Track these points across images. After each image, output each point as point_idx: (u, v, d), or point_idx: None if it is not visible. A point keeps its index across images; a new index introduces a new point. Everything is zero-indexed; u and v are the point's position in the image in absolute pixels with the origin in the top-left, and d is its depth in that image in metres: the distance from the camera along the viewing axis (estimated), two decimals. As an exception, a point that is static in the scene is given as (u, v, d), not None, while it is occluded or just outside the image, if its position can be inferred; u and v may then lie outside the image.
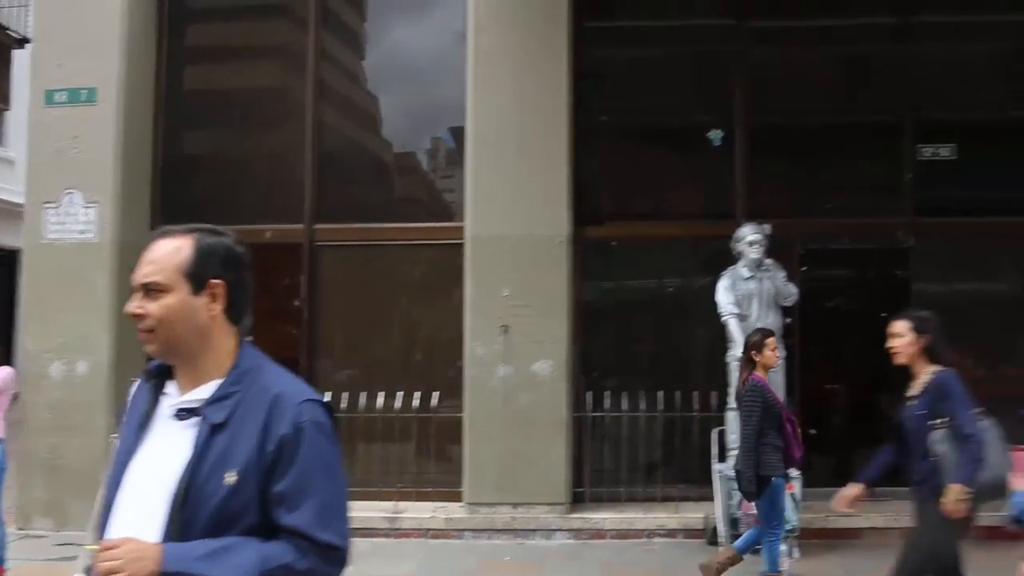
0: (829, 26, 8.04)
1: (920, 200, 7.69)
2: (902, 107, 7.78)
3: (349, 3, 8.53)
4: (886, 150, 7.88)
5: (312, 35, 8.03)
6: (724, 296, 6.53)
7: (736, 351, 6.21)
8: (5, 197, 13.45)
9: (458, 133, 7.61)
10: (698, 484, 7.17)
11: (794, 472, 6.10)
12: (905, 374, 4.24)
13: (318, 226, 7.88)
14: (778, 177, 7.91)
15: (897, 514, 6.62)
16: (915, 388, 4.14)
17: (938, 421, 3.96)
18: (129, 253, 7.36)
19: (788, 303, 6.53)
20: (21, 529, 6.89)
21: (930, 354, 4.13)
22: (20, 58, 12.77)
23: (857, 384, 7.90)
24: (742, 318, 6.49)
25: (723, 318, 6.53)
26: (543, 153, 7.32)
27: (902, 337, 4.14)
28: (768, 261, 6.51)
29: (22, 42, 12.08)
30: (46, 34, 7.74)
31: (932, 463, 4.02)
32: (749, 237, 6.49)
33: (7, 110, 13.20)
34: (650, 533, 7.01)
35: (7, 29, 12.56)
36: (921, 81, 7.83)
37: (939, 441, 3.95)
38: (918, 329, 4.15)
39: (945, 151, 7.75)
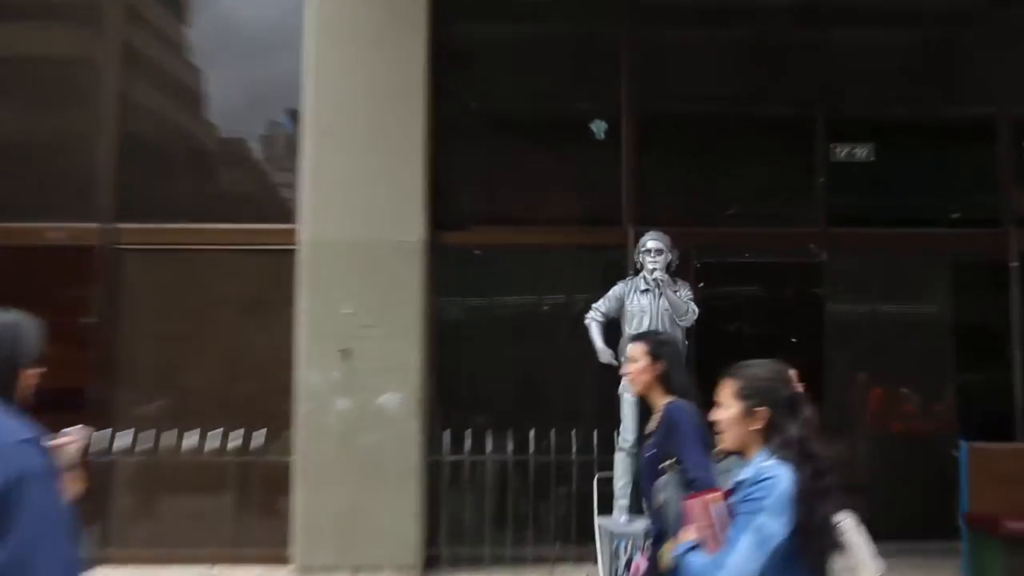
0: (730, 3, 7.65)
1: (834, 207, 7.36)
2: (813, 99, 7.51)
3: None
4: (796, 148, 7.58)
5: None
6: (602, 300, 6.30)
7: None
8: None
9: (297, 118, 7.11)
10: (577, 542, 6.72)
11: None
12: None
13: (120, 225, 7.26)
14: (671, 177, 7.57)
15: None
16: (652, 423, 3.82)
17: (667, 462, 3.53)
18: None
19: (684, 323, 6.13)
20: None
21: (665, 383, 3.80)
22: None
23: None
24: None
25: (585, 318, 6.27)
26: (395, 145, 6.95)
27: (636, 362, 3.83)
28: (666, 277, 6.17)
29: None
30: None
31: (657, 512, 3.59)
32: (647, 244, 6.17)
33: None
34: None
35: None
36: (835, 70, 7.60)
37: (663, 486, 3.44)
38: (653, 354, 3.84)
39: (862, 151, 7.48)
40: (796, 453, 2.54)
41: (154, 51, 7.91)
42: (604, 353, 6.09)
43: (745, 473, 2.59)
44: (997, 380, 7.37)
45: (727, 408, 2.74)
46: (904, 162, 7.53)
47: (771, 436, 2.61)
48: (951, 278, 7.64)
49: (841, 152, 7.46)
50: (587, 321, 6.21)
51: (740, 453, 2.77)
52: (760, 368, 2.76)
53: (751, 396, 2.69)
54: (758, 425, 2.66)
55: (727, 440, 2.79)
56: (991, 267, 7.46)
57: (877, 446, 7.42)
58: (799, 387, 2.77)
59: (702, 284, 6.88)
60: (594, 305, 6.23)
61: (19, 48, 7.66)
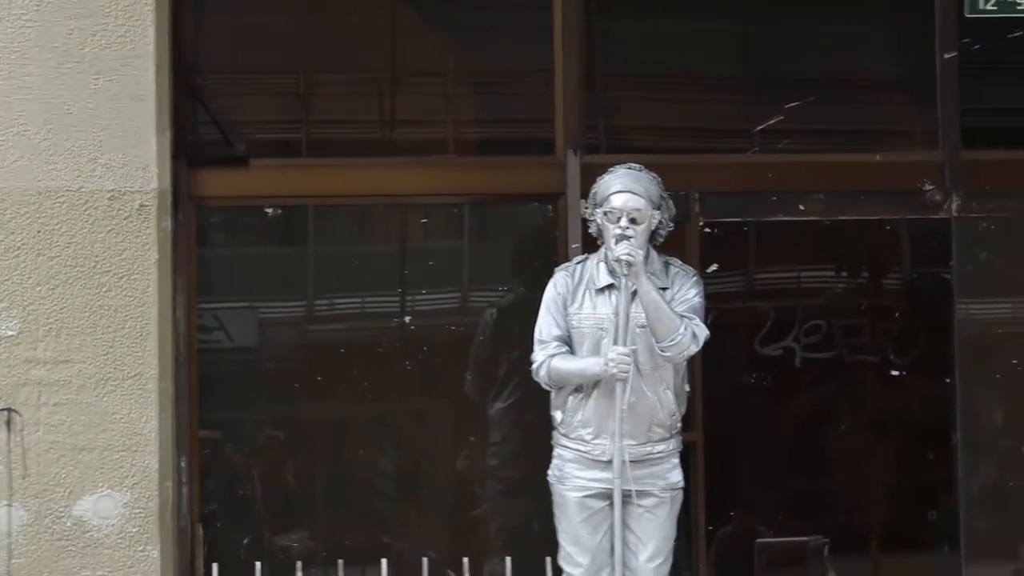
0: None
1: (972, 115, 6.04)
2: None
3: None
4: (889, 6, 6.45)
5: None
6: (543, 320, 4.79)
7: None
8: None
9: None
10: None
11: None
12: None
13: None
14: (649, 60, 6.12)
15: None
16: None
17: None
18: None
19: (670, 353, 4.54)
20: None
21: None
22: None
23: (840, 528, 6.23)
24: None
25: (535, 368, 4.76)
26: (105, 15, 5.51)
27: None
28: (663, 260, 4.75)
29: None
30: None
31: None
32: (612, 197, 4.63)
33: None
34: None
35: None
36: None
37: None
38: None
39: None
40: None
41: None
42: (618, 360, 4.66)
43: None
44: None
45: None
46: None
47: None
48: None
49: (987, 1, 6.15)
50: (541, 373, 4.79)
51: None
52: None
53: None
54: None
55: None
56: None
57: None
58: None
59: (714, 267, 5.85)
60: (538, 340, 4.84)
61: None
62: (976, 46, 6.27)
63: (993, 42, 6.37)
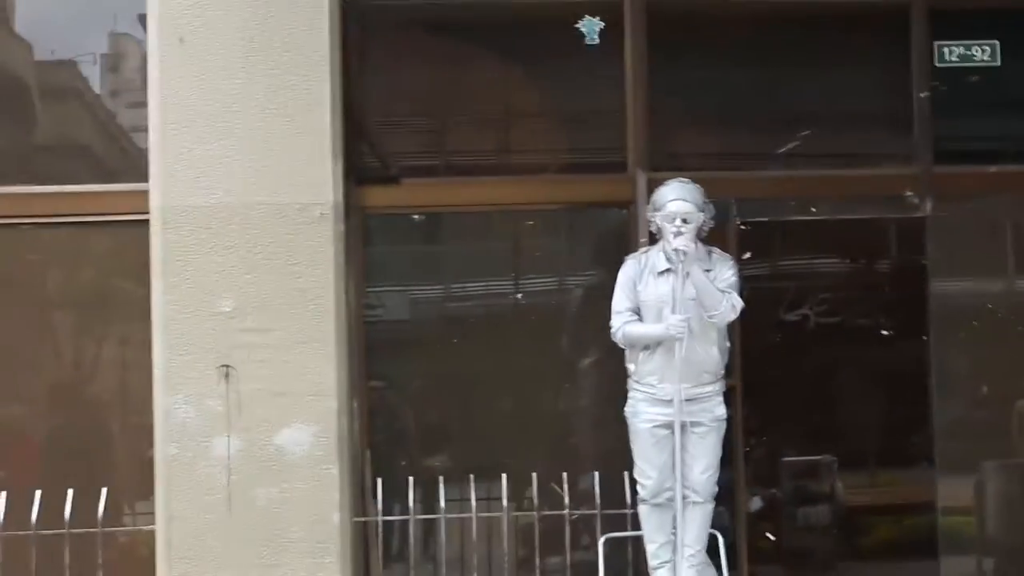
0: None
1: (942, 136, 7.13)
2: None
3: None
4: (883, 50, 7.32)
5: None
6: (618, 296, 5.74)
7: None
8: None
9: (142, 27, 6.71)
10: None
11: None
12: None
13: None
14: (699, 99, 7.24)
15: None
16: None
17: None
18: None
19: (716, 319, 5.59)
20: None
21: None
22: None
23: (844, 452, 7.41)
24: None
25: (613, 332, 5.69)
26: (290, 66, 6.43)
27: None
28: (707, 251, 5.63)
29: None
30: None
31: None
32: (669, 206, 5.51)
33: None
34: None
35: None
36: None
37: None
38: None
39: (981, 51, 7.11)
40: None
41: None
42: (675, 325, 5.57)
43: None
44: None
45: None
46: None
47: None
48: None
49: (952, 54, 7.01)
50: (617, 336, 5.71)
51: None
52: None
53: None
54: None
55: None
56: None
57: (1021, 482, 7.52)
58: None
59: (748, 255, 6.67)
60: (615, 311, 5.71)
61: None
62: (943, 88, 7.20)
63: (956, 84, 7.22)
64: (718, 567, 5.93)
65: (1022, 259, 7.69)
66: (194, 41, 6.41)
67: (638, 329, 5.73)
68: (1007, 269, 7.57)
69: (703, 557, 5.85)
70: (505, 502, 6.45)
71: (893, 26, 7.22)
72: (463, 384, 7.26)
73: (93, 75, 7.60)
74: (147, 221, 6.44)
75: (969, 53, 7.21)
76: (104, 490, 6.39)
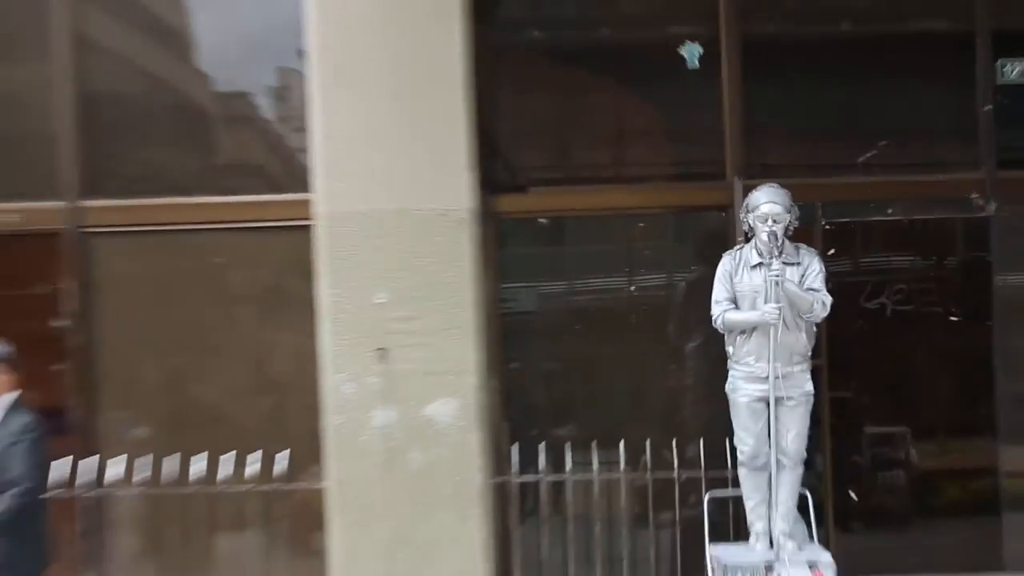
0: None
1: (1004, 144, 7.34)
2: (972, 8, 7.37)
3: None
4: (950, 70, 7.52)
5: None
6: (718, 287, 6.13)
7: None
8: None
9: (303, 63, 7.13)
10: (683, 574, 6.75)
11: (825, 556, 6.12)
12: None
13: (87, 203, 7.33)
14: (787, 115, 7.50)
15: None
16: None
17: None
18: None
19: (811, 317, 6.01)
20: None
21: None
22: None
23: (916, 424, 7.69)
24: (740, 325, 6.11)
25: (714, 319, 6.10)
26: (430, 92, 6.86)
27: None
28: (794, 247, 5.98)
29: None
30: None
31: None
32: (761, 208, 5.92)
33: None
34: None
35: None
36: None
37: None
38: None
39: None
40: None
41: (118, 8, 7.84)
42: (770, 312, 5.95)
43: None
44: None
45: None
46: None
47: None
48: None
49: (1012, 71, 7.37)
50: (718, 322, 6.11)
51: None
52: None
53: None
54: None
55: None
56: None
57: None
58: None
59: (832, 251, 6.94)
60: (715, 301, 6.10)
61: None
62: (1005, 101, 7.46)
63: (1016, 99, 7.48)
64: (807, 522, 6.23)
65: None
66: (348, 72, 6.85)
67: (736, 316, 6.05)
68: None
69: (794, 513, 6.14)
70: (622, 465, 6.77)
71: (959, 48, 7.50)
72: (585, 365, 7.55)
73: (263, 103, 7.96)
74: (310, 226, 6.87)
75: (1028, 70, 7.47)
76: (287, 451, 6.79)
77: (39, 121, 7.49)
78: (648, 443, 6.73)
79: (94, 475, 6.77)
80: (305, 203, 6.90)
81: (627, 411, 7.36)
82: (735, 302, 6.08)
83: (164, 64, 7.92)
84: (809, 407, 6.07)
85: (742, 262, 6.06)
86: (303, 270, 6.98)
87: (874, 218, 7.45)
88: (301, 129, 7.21)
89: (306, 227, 6.90)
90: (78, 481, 6.79)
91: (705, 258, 6.66)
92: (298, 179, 7.19)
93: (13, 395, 6.23)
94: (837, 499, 7.29)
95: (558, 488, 6.92)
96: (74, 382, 7.33)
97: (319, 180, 6.84)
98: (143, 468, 6.77)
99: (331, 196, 6.80)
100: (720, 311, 6.06)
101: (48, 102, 7.45)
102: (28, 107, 7.62)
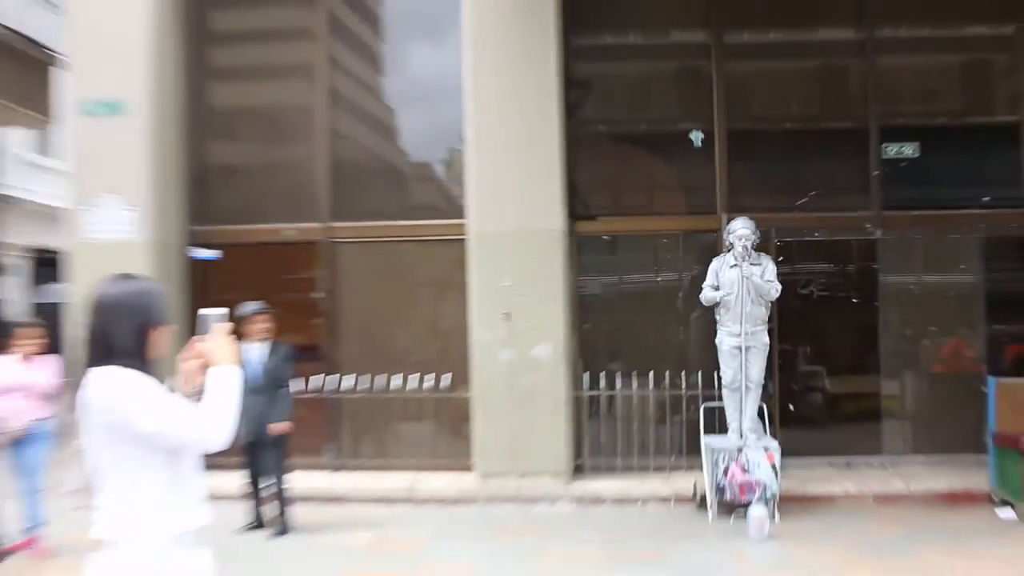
0: (798, 40, 7.99)
1: (886, 195, 7.59)
2: (868, 112, 7.65)
3: (362, 23, 8.41)
4: (854, 151, 7.71)
5: (325, 51, 8.02)
6: (708, 278, 6.51)
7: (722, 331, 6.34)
8: (50, 202, 13.12)
9: (461, 140, 7.46)
10: (687, 455, 7.10)
11: (774, 443, 6.27)
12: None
13: (335, 224, 7.81)
14: (755, 175, 7.81)
15: (867, 481, 6.82)
16: None
17: None
18: (163, 251, 7.49)
19: (768, 297, 6.36)
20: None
21: None
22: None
23: (830, 364, 7.92)
24: (724, 302, 6.44)
25: (701, 296, 6.55)
26: (538, 156, 7.23)
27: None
28: (756, 254, 6.39)
29: (56, 59, 11.52)
30: (79, 51, 7.52)
31: None
32: (737, 231, 6.33)
33: (48, 125, 12.63)
34: (644, 500, 6.89)
35: (42, 47, 11.88)
36: (884, 88, 7.72)
37: None
38: None
39: (908, 149, 7.65)
40: None
41: (355, 95, 8.37)
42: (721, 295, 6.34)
43: None
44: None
45: None
46: (942, 158, 7.64)
47: None
48: (981, 251, 7.67)
49: (891, 151, 7.61)
50: (703, 296, 6.51)
51: None
52: None
53: None
54: None
55: None
56: (1017, 242, 7.65)
57: (926, 383, 7.66)
58: None
59: (781, 258, 7.00)
60: (704, 285, 6.50)
61: (257, 100, 8.30)
62: (887, 169, 7.53)
63: (895, 168, 7.55)
64: (763, 423, 6.51)
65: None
66: (489, 146, 7.16)
67: (708, 293, 6.43)
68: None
69: (755, 418, 6.43)
70: (651, 386, 7.14)
71: (860, 136, 7.64)
72: (629, 326, 7.84)
73: (438, 166, 8.34)
74: (464, 239, 7.21)
75: (901, 149, 7.66)
76: (449, 374, 7.43)
77: (308, 176, 7.97)
78: (667, 373, 7.19)
79: (335, 385, 7.40)
80: (462, 225, 7.30)
81: (654, 354, 7.50)
82: (717, 288, 6.39)
83: (380, 144, 8.40)
84: (766, 353, 6.43)
85: (724, 263, 6.42)
86: (460, 266, 7.27)
87: (807, 238, 7.57)
88: (459, 182, 7.50)
89: (462, 240, 7.27)
90: (324, 388, 7.40)
91: (702, 261, 6.96)
92: (457, 210, 7.50)
93: (271, 338, 6.23)
94: (781, 410, 7.37)
95: (611, 400, 7.30)
96: (324, 330, 7.76)
97: (471, 211, 7.24)
98: (363, 382, 7.43)
99: (478, 221, 7.21)
100: (705, 289, 6.47)
101: (313, 165, 7.91)
102: (301, 169, 8.02)
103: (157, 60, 7.54)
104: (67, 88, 7.78)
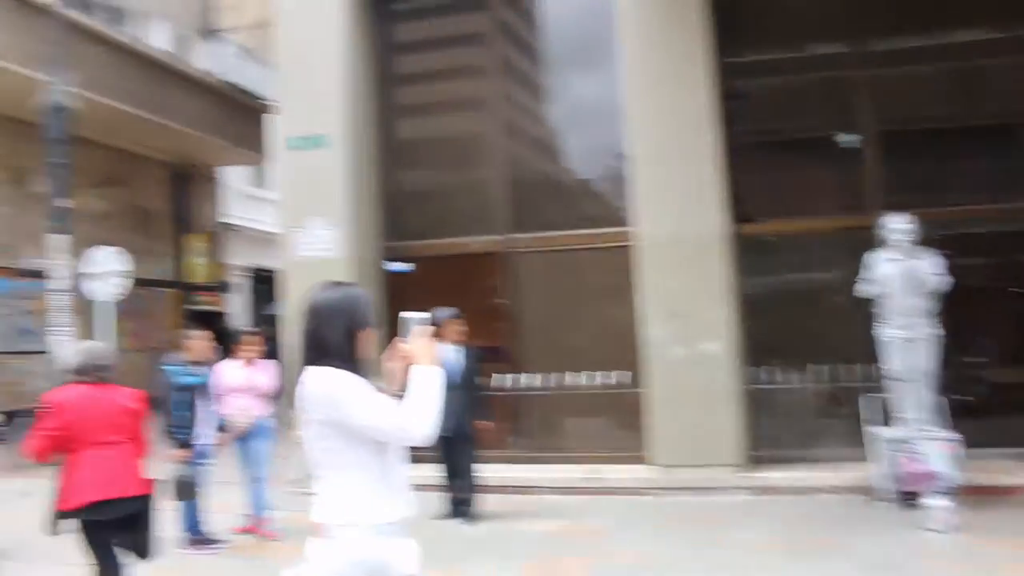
0: (943, 44, 7.97)
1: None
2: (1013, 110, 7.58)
3: (529, 60, 8.89)
4: (1002, 146, 7.59)
5: (499, 86, 8.62)
6: (866, 269, 6.56)
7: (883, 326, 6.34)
8: (266, 228, 14.85)
9: (621, 156, 7.87)
10: (853, 446, 7.08)
11: (953, 434, 6.21)
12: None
13: (515, 236, 8.34)
14: (906, 175, 7.73)
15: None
16: None
17: None
18: (362, 266, 8.22)
19: (934, 291, 6.36)
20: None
21: None
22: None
23: (999, 355, 7.74)
24: (885, 296, 6.47)
25: (860, 283, 6.56)
26: (698, 166, 7.48)
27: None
28: (918, 248, 6.42)
29: (267, 105, 12.89)
30: (286, 96, 8.46)
31: None
32: (895, 227, 6.43)
33: (262, 163, 14.23)
34: (818, 490, 6.92)
35: (255, 95, 13.76)
36: None
37: None
38: None
39: None
40: None
41: (525, 122, 8.92)
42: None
43: None
44: None
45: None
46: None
47: None
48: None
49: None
50: (860, 290, 6.56)
51: None
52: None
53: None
54: None
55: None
56: None
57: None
58: None
59: (948, 252, 6.67)
60: (862, 279, 6.56)
61: (440, 131, 9.03)
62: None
63: None
64: (942, 417, 6.30)
65: None
66: (652, 160, 7.46)
67: (865, 287, 6.35)
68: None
69: (932, 410, 6.26)
70: (822, 378, 7.32)
71: (1007, 132, 7.56)
72: (792, 323, 7.81)
73: (605, 183, 8.54)
74: (631, 246, 7.50)
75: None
76: (625, 373, 7.65)
77: (488, 195, 8.54)
78: (831, 367, 7.37)
79: (518, 383, 7.85)
80: (626, 233, 7.62)
81: (813, 349, 7.56)
82: (874, 282, 6.43)
83: (549, 163, 8.87)
84: (933, 344, 6.33)
85: (881, 258, 6.52)
86: (626, 270, 7.55)
87: (962, 231, 7.41)
88: (621, 193, 7.87)
89: (627, 246, 7.58)
90: (508, 386, 7.86)
91: (858, 257, 6.74)
92: (620, 219, 7.83)
93: (464, 341, 6.43)
94: (952, 400, 6.61)
95: (781, 393, 7.52)
96: (508, 332, 8.19)
97: (640, 219, 7.54)
98: (544, 379, 7.85)
99: (647, 228, 7.50)
100: (862, 283, 6.53)
101: (492, 185, 8.50)
102: (482, 189, 8.60)
103: (352, 99, 8.39)
104: (276, 128, 8.56)
